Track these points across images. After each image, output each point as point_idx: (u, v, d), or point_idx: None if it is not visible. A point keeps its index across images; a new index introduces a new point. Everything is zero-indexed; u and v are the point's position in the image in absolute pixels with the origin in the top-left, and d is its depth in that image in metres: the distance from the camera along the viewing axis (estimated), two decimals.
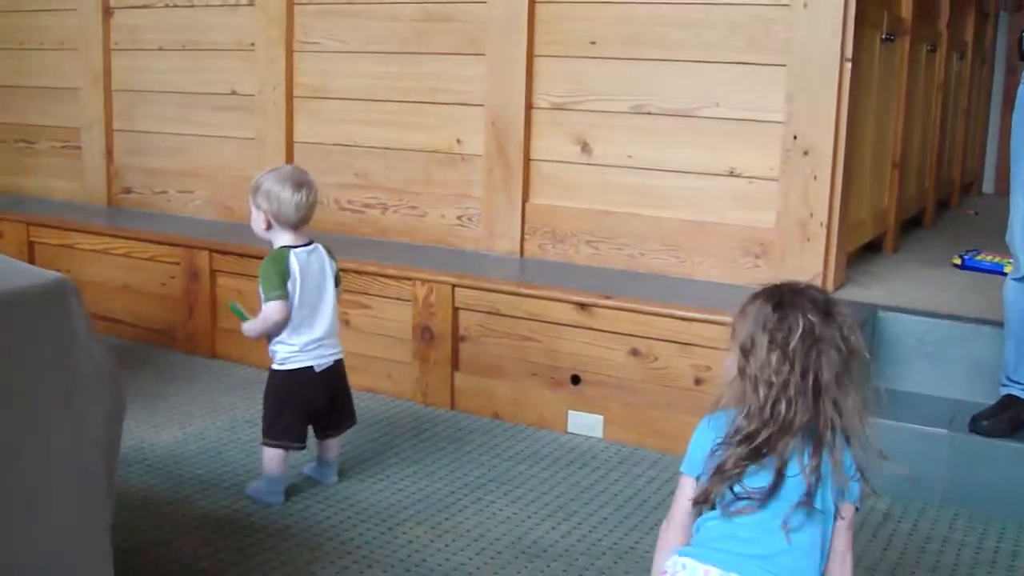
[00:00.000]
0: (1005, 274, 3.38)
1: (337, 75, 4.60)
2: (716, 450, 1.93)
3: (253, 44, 4.77)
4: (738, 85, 3.78)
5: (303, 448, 3.10)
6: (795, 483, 1.87)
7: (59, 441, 1.92)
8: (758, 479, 1.89)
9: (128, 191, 5.30)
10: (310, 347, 3.06)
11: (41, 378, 1.87)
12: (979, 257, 4.35)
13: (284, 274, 3.01)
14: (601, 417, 3.64)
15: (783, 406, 1.86)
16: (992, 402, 3.23)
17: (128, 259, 4.67)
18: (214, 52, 4.93)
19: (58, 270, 2.00)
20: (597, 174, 4.08)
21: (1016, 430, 3.13)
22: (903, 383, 3.50)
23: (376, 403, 3.93)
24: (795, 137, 3.67)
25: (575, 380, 3.70)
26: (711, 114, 3.84)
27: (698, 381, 3.49)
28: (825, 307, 1.91)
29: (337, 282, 3.17)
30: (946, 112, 5.80)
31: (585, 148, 4.08)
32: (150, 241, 4.60)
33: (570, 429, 3.69)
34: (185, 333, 4.50)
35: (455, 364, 3.89)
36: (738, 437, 1.90)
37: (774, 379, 1.87)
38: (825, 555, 1.93)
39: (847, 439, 1.91)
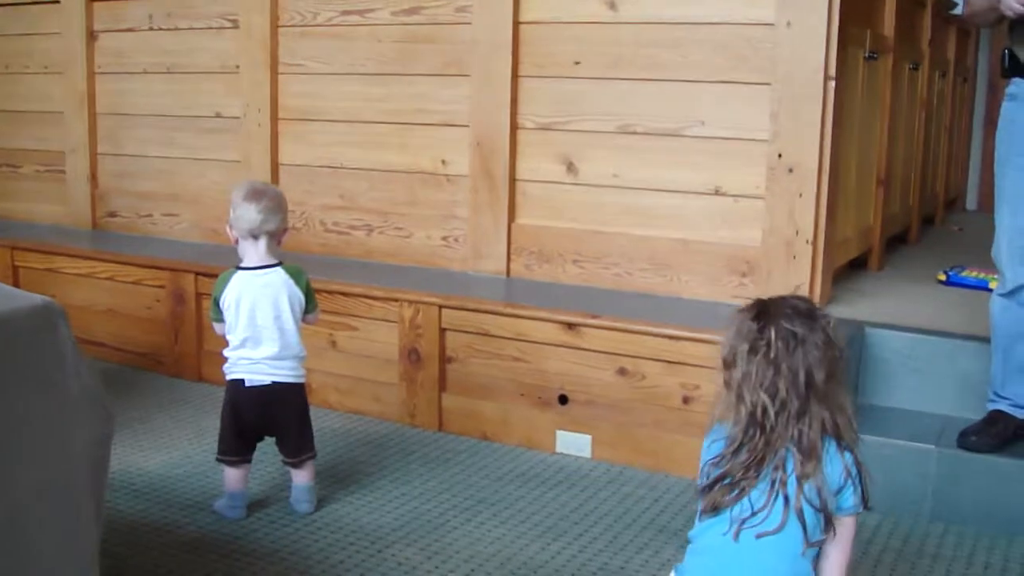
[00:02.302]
0: (990, 290, 3.40)
1: (322, 97, 4.61)
2: (718, 461, 1.97)
3: (238, 67, 4.77)
4: (723, 104, 3.79)
5: (234, 463, 3.10)
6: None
7: (45, 465, 1.90)
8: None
9: (113, 215, 5.29)
10: (243, 362, 3.07)
11: (28, 401, 1.86)
12: (964, 273, 4.36)
13: (217, 297, 3.07)
14: (589, 437, 3.64)
15: (773, 410, 1.90)
16: (979, 417, 3.24)
17: (113, 283, 4.65)
18: (198, 75, 4.93)
19: (43, 294, 1.99)
20: (583, 194, 4.09)
21: (1004, 445, 3.14)
22: (890, 399, 3.52)
23: (363, 425, 3.93)
24: (780, 155, 3.68)
25: (563, 400, 3.70)
26: (696, 133, 3.85)
27: (686, 400, 3.49)
28: (808, 312, 1.95)
29: (310, 307, 3.15)
30: (929, 129, 5.82)
31: (571, 168, 4.09)
32: (135, 265, 4.59)
33: (558, 449, 3.68)
34: (171, 357, 4.49)
35: (442, 385, 3.88)
36: (733, 447, 1.94)
37: (760, 386, 1.91)
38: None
39: (839, 442, 1.94)
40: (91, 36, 5.22)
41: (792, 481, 1.90)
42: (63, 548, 1.95)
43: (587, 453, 3.64)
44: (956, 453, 3.15)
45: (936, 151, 6.25)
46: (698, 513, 2.02)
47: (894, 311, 3.85)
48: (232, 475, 3.11)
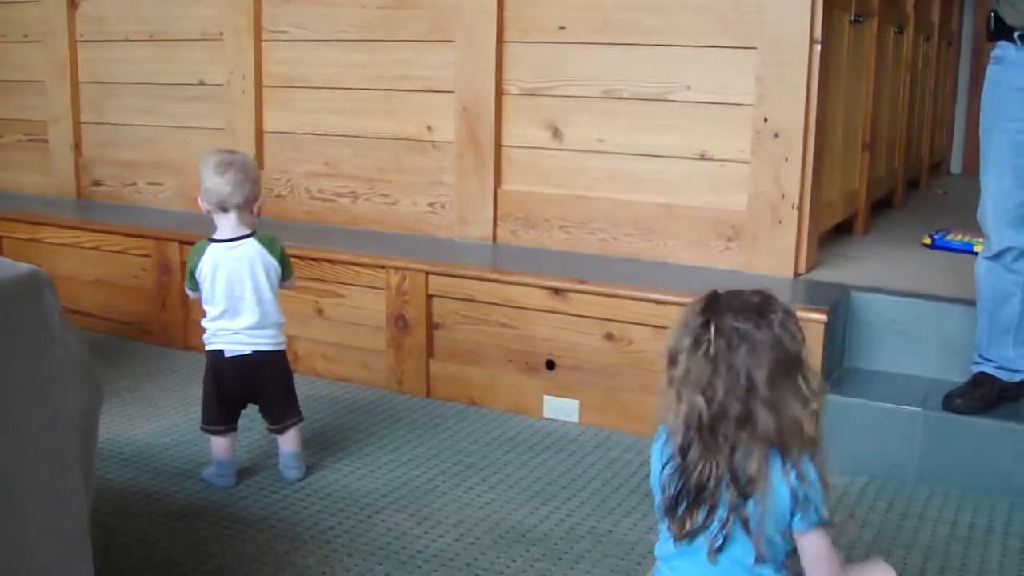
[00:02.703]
0: (975, 253, 3.41)
1: (306, 63, 4.58)
2: (672, 472, 1.87)
3: (221, 33, 4.73)
4: (708, 68, 3.79)
5: (220, 432, 3.10)
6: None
7: (33, 435, 1.90)
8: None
9: (97, 184, 5.26)
10: (223, 333, 3.07)
11: (15, 371, 1.86)
12: (949, 237, 4.38)
13: (192, 269, 3.06)
14: (577, 402, 3.65)
15: (708, 413, 1.79)
16: (965, 380, 3.25)
17: (98, 252, 4.64)
18: (181, 42, 4.90)
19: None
20: (569, 159, 4.08)
21: (989, 407, 3.16)
22: (876, 362, 3.53)
23: (351, 392, 3.93)
24: (766, 120, 3.68)
25: (550, 365, 3.71)
26: (682, 98, 3.84)
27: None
28: (758, 308, 1.81)
29: (286, 273, 3.14)
30: (914, 93, 5.82)
31: (556, 134, 4.08)
32: (120, 234, 4.57)
33: (546, 414, 3.70)
34: (158, 325, 4.48)
35: (430, 351, 3.89)
36: (677, 455, 1.85)
37: (698, 386, 1.79)
38: None
39: (784, 459, 1.81)
40: (72, 3, 5.17)
41: (738, 500, 1.80)
42: (52, 518, 1.95)
43: (575, 418, 3.65)
44: (941, 415, 3.16)
45: (921, 115, 6.25)
46: (662, 531, 1.92)
47: (879, 275, 3.86)
48: (219, 444, 3.11)
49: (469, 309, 3.80)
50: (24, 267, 1.92)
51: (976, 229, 3.30)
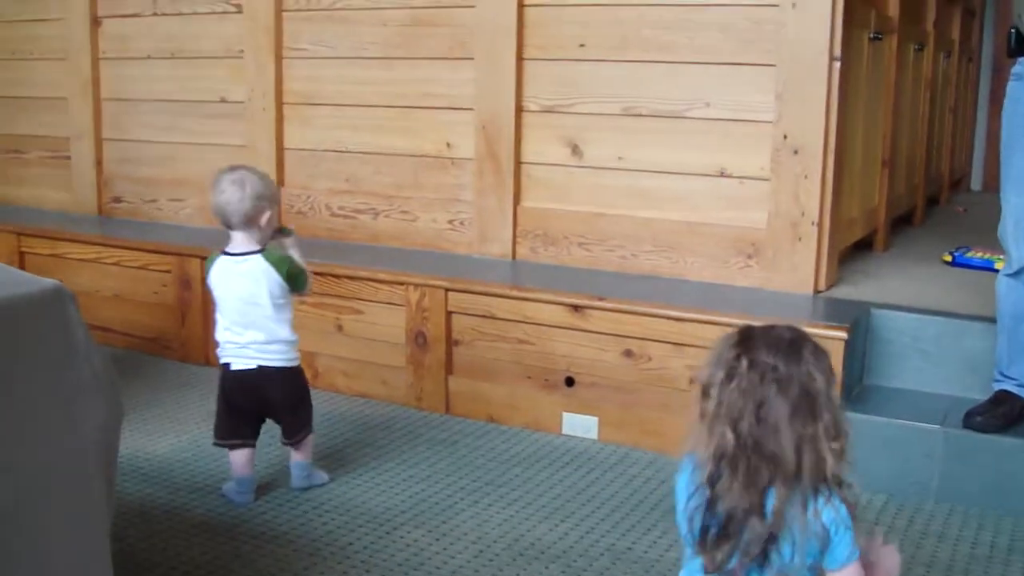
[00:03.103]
0: (995, 270, 3.40)
1: (326, 81, 4.60)
2: (698, 505, 1.85)
3: (242, 51, 4.76)
4: (728, 85, 3.79)
5: (234, 447, 3.10)
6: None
7: (56, 449, 1.91)
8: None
9: (118, 200, 5.29)
10: (230, 346, 3.08)
11: (38, 385, 1.87)
12: (969, 254, 4.36)
13: (206, 277, 3.11)
14: (596, 419, 3.65)
15: (735, 447, 1.78)
16: (985, 398, 3.24)
17: (119, 268, 4.66)
18: (203, 60, 4.93)
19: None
20: (588, 176, 4.08)
21: (1010, 425, 3.14)
22: (897, 380, 3.52)
23: (371, 408, 3.94)
24: (785, 137, 3.68)
25: (569, 382, 3.71)
26: (701, 115, 3.85)
27: (692, 381, 3.48)
28: (791, 344, 1.81)
29: (298, 285, 3.11)
30: (934, 110, 5.81)
31: (576, 151, 4.09)
32: (141, 250, 4.59)
33: (565, 431, 3.69)
34: (178, 341, 4.50)
35: (449, 368, 3.89)
36: (707, 487, 1.82)
37: (728, 419, 1.78)
38: None
39: (812, 490, 1.79)
40: (95, 22, 5.21)
41: (765, 534, 1.78)
42: (73, 531, 1.96)
43: (593, 435, 3.65)
44: (962, 433, 3.15)
45: (940, 132, 6.24)
46: (686, 560, 1.91)
47: (900, 292, 3.85)
48: (235, 459, 3.12)
49: (488, 326, 3.81)
50: (48, 282, 1.94)
51: (997, 246, 3.29)
